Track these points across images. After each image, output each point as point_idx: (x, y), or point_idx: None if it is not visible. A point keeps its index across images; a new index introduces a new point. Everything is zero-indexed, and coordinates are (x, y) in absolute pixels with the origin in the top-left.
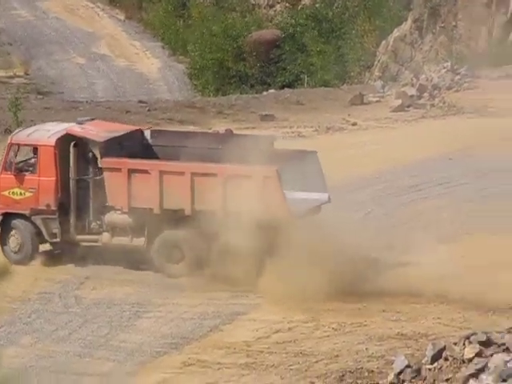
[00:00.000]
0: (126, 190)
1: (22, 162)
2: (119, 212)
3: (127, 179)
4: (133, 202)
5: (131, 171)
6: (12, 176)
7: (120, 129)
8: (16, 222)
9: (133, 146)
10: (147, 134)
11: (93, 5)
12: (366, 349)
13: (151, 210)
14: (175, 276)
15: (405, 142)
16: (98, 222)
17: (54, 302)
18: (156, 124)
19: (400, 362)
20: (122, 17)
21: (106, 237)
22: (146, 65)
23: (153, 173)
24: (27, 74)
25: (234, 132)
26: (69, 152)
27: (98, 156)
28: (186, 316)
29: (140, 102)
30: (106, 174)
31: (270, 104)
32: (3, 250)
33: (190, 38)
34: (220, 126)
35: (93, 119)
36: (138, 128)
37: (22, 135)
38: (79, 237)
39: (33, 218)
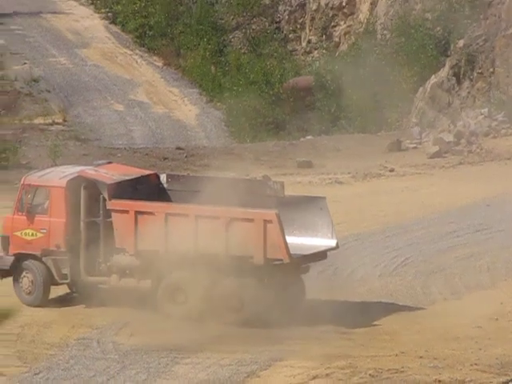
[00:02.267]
0: (132, 231)
1: (34, 202)
2: (127, 254)
3: (134, 221)
4: (139, 244)
5: (138, 213)
6: (24, 217)
7: (135, 172)
8: (28, 262)
9: (148, 190)
10: (163, 178)
11: (131, 52)
12: None
13: (157, 252)
14: (178, 317)
15: (442, 188)
16: (108, 264)
17: (92, 348)
18: (194, 171)
19: None
20: (159, 64)
21: (114, 279)
22: (184, 111)
23: (158, 215)
24: (65, 121)
25: (268, 178)
26: (79, 194)
27: (107, 198)
28: (224, 362)
29: (178, 148)
30: (114, 216)
31: (307, 150)
32: (16, 291)
33: (227, 85)
34: (257, 173)
35: (109, 162)
36: (153, 172)
37: (35, 176)
38: (89, 278)
39: (44, 258)
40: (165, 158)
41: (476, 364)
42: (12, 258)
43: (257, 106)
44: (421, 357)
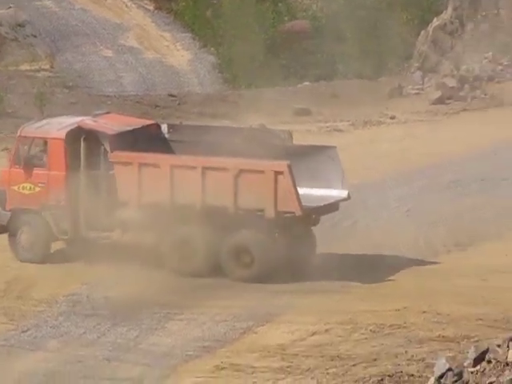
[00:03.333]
0: (136, 184)
1: (31, 155)
2: (130, 208)
3: (138, 174)
4: (143, 197)
5: (142, 165)
6: (22, 170)
7: (135, 123)
8: (26, 217)
9: (148, 141)
10: (164, 128)
11: None
12: (406, 352)
13: (162, 206)
14: (188, 275)
15: (445, 135)
16: (110, 218)
17: (82, 304)
18: (187, 118)
19: (441, 366)
20: (150, 7)
21: (116, 233)
22: (176, 57)
23: (164, 167)
24: (53, 68)
25: (266, 127)
26: (79, 146)
27: (109, 149)
28: (219, 318)
29: (170, 95)
30: (116, 168)
31: (304, 97)
32: (13, 248)
33: (221, 29)
34: (253, 121)
35: (108, 113)
36: (154, 122)
37: (32, 128)
38: (91, 233)
39: (43, 213)
40: (156, 106)
41: (481, 319)
42: (9, 214)
43: (252, 51)
44: (424, 312)
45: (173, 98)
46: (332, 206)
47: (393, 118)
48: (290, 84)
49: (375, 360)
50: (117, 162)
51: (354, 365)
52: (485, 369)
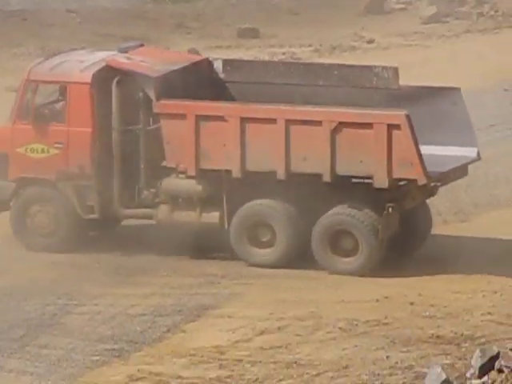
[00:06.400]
0: (193, 144)
1: (44, 105)
2: (183, 176)
3: (195, 130)
4: (203, 162)
5: (200, 118)
6: (30, 127)
7: (180, 59)
8: (37, 190)
9: (199, 83)
10: (218, 65)
11: None
12: (387, 357)
13: (229, 173)
14: (263, 265)
15: (442, 66)
16: (153, 191)
17: None
18: (92, 43)
19: (435, 376)
20: None
21: (163, 211)
22: None
23: (231, 120)
24: None
25: (209, 55)
26: (110, 92)
27: (153, 97)
28: (134, 311)
29: (68, 11)
30: (163, 123)
31: (251, 13)
32: (17, 233)
33: None
34: (182, 46)
35: (141, 45)
36: (204, 57)
37: (44, 68)
38: (126, 211)
39: (60, 184)
40: (51, 25)
41: (489, 313)
42: (12, 185)
43: None
44: (412, 303)
45: (72, 15)
46: (460, 171)
47: (371, 41)
48: None
49: (346, 368)
50: (165, 113)
51: (317, 374)
52: (495, 380)
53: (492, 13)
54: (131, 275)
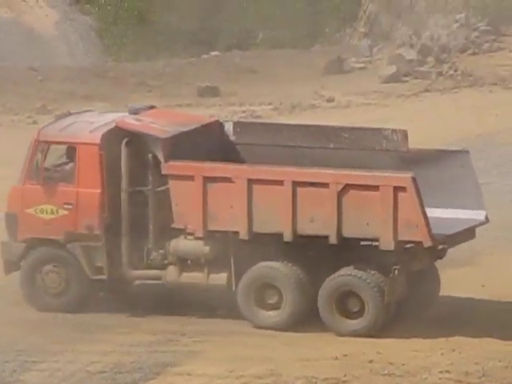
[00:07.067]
0: (200, 206)
1: (53, 166)
2: (191, 237)
3: (202, 191)
4: (210, 224)
5: (208, 180)
6: (39, 187)
7: (191, 121)
8: (46, 251)
9: (209, 145)
10: (229, 127)
11: None
12: None
13: (236, 235)
14: (270, 327)
15: (401, 125)
16: (161, 252)
17: None
18: (54, 100)
19: None
20: None
21: (171, 272)
22: (39, 17)
23: (238, 181)
24: None
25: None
26: (119, 153)
27: (161, 158)
28: (94, 368)
29: (30, 69)
30: (172, 184)
31: (211, 72)
32: (27, 293)
33: None
34: (142, 103)
35: (152, 107)
36: (215, 119)
37: (54, 129)
38: (134, 272)
39: (69, 245)
40: (13, 83)
41: (447, 371)
42: (22, 246)
43: (141, 8)
44: (371, 361)
45: (34, 73)
46: (468, 233)
47: (331, 100)
48: (192, 54)
49: None
50: (173, 175)
51: None
52: None
53: (451, 72)
54: (91, 332)
